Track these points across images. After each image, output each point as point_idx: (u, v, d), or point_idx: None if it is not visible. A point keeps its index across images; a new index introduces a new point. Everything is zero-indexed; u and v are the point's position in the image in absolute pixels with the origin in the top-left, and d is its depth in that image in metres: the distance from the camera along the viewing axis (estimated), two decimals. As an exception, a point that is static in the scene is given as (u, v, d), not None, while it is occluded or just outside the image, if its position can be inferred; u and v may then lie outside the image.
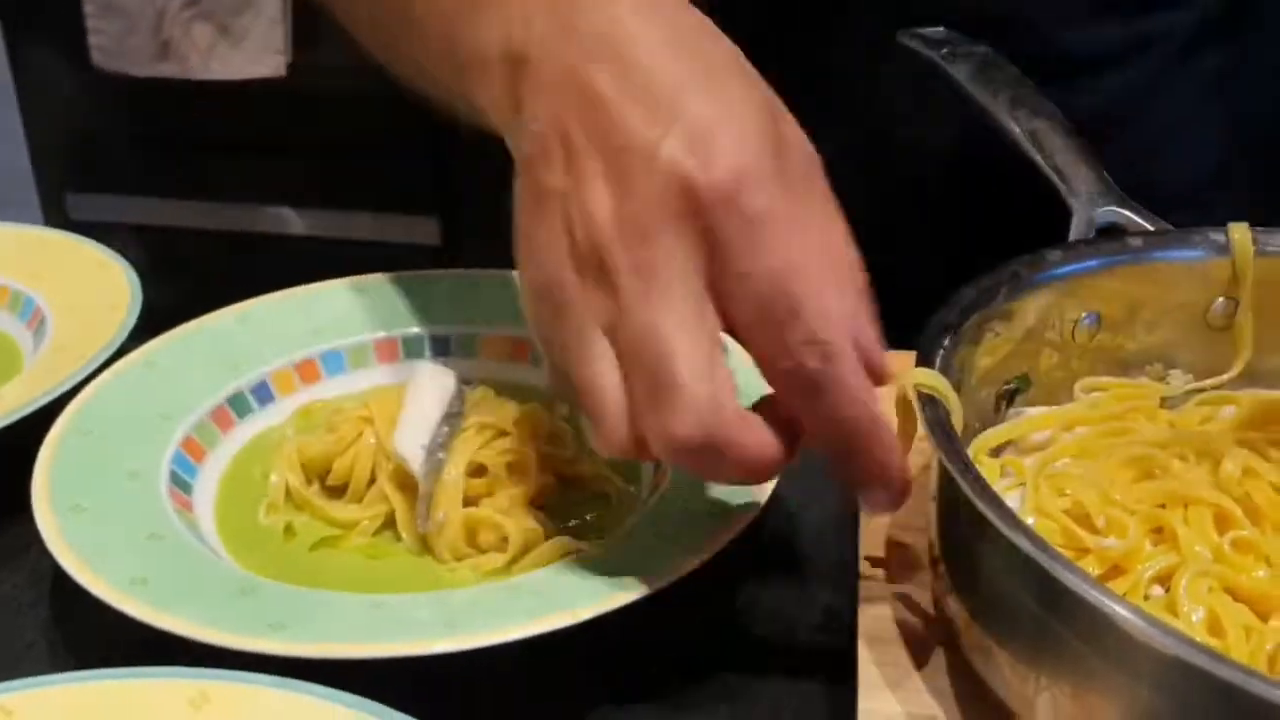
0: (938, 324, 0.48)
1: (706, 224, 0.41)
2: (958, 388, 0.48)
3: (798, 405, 0.42)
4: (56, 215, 1.89)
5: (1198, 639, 0.40)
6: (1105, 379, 0.55)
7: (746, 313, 0.42)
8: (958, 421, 0.45)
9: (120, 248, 0.69)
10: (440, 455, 0.52)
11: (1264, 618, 0.42)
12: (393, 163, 1.81)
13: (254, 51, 1.71)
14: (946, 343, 0.48)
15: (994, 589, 0.42)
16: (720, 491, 0.50)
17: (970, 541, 0.43)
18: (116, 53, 1.75)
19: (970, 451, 0.51)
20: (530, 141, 0.44)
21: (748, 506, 0.49)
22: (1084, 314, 0.54)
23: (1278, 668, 0.40)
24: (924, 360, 0.46)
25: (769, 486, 0.50)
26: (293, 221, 1.89)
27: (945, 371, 0.46)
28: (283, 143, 1.83)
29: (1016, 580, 0.40)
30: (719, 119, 0.42)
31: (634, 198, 0.41)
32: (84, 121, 1.85)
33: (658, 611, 0.46)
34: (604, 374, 0.42)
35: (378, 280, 0.65)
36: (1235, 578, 0.43)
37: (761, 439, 0.42)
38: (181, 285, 0.69)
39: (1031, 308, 0.52)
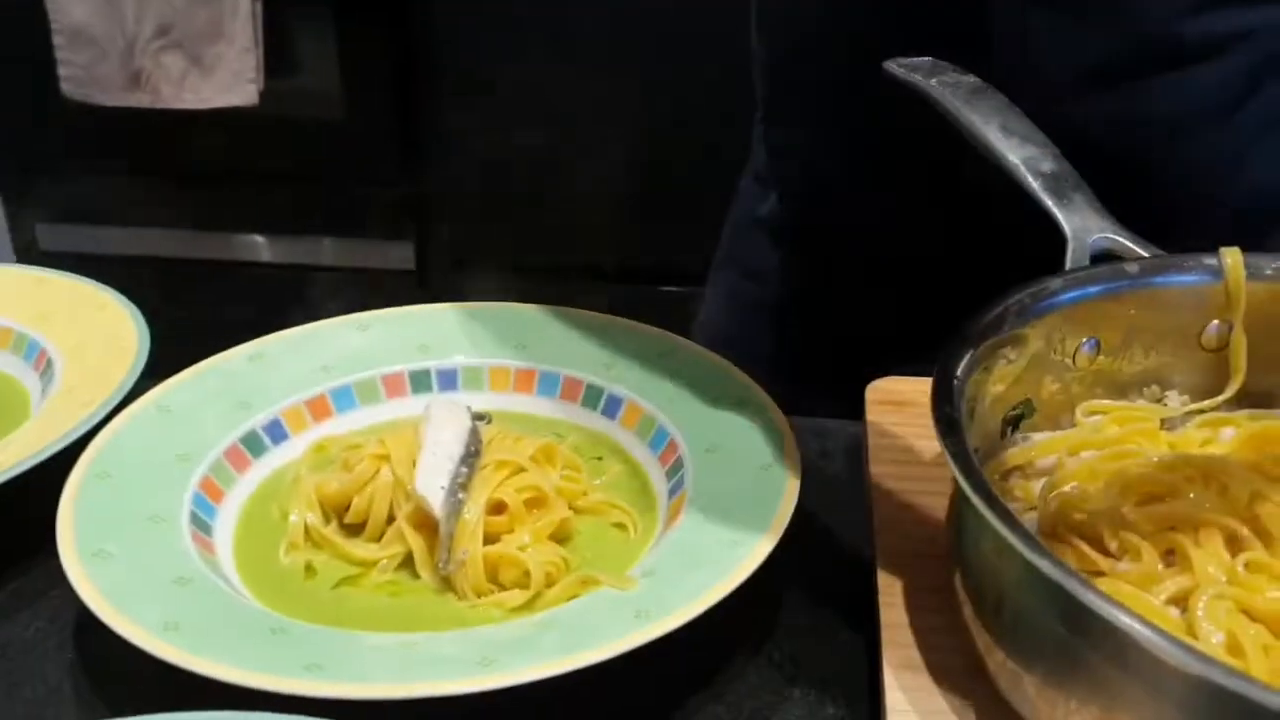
0: (952, 350, 0.49)
1: None
2: (970, 414, 0.49)
3: None
4: (26, 246, 1.87)
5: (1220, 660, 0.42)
6: (1105, 402, 0.57)
7: None
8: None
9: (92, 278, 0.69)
10: (460, 495, 0.53)
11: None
12: (366, 188, 1.81)
13: (226, 80, 1.71)
14: (960, 370, 0.49)
15: (1017, 613, 0.43)
16: (737, 524, 0.51)
17: (992, 566, 0.44)
18: (86, 82, 1.74)
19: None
20: None
21: (766, 538, 0.50)
22: (1084, 339, 0.56)
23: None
24: (941, 385, 0.48)
25: (784, 522, 0.51)
26: (265, 249, 1.89)
27: (959, 398, 0.47)
28: (254, 170, 1.82)
29: (1040, 604, 0.41)
30: None
31: None
32: (54, 152, 1.83)
33: (681, 644, 0.46)
34: None
35: (382, 315, 0.66)
36: (1250, 599, 0.44)
37: None
38: (163, 317, 0.69)
39: (1036, 335, 0.54)
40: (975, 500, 0.42)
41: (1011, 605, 0.43)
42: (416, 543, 0.53)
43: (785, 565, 0.55)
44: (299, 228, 1.85)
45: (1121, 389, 0.58)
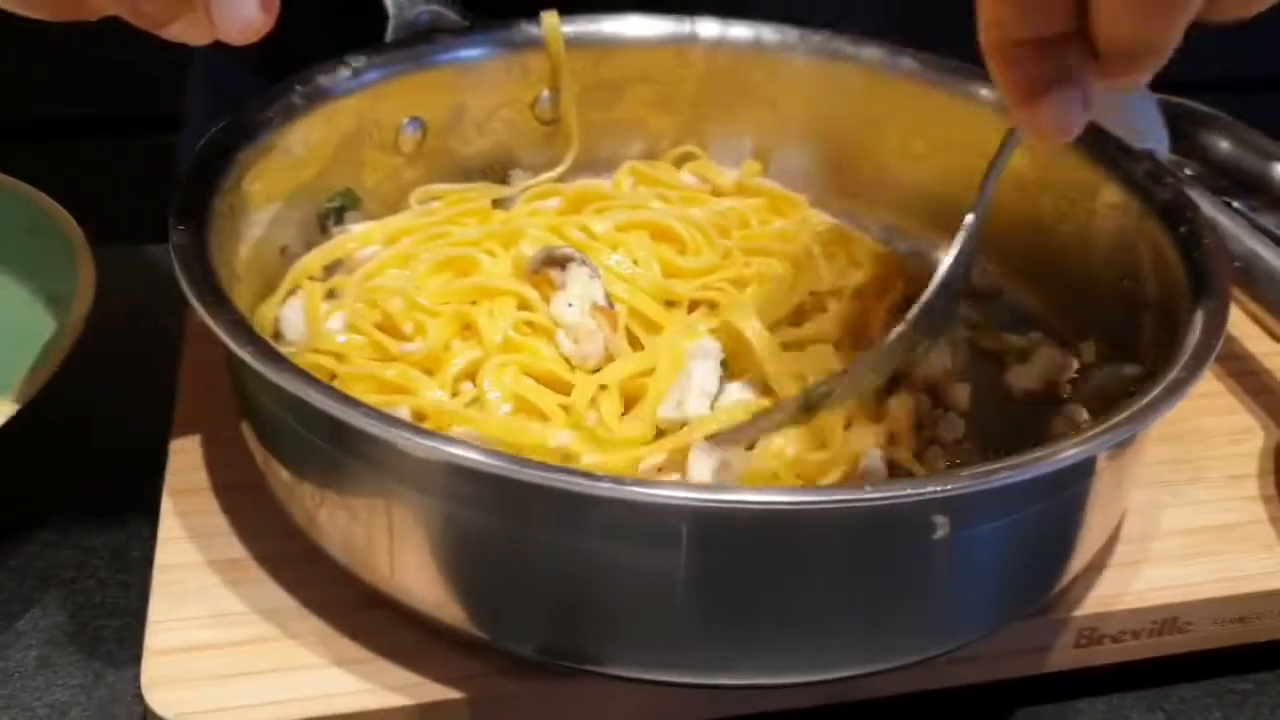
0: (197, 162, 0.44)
1: None
2: (233, 213, 0.44)
3: None
4: None
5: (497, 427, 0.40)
6: (440, 186, 0.53)
7: None
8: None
9: None
10: None
11: (566, 394, 0.43)
12: None
13: None
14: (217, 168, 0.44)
15: (262, 413, 0.39)
16: None
17: (240, 377, 0.40)
18: None
19: (294, 276, 0.48)
20: None
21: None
22: (405, 120, 0.52)
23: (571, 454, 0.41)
24: (187, 192, 0.42)
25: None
26: None
27: (211, 199, 0.42)
28: None
29: (270, 399, 0.38)
30: None
31: None
32: None
33: None
34: None
35: None
36: (531, 363, 0.43)
37: None
38: None
39: (336, 119, 0.49)
40: (207, 319, 0.37)
41: (259, 406, 0.40)
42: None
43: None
44: None
45: (464, 172, 0.55)
